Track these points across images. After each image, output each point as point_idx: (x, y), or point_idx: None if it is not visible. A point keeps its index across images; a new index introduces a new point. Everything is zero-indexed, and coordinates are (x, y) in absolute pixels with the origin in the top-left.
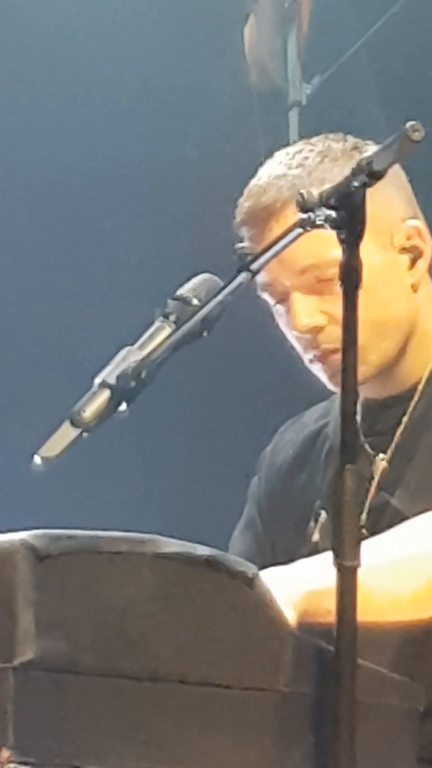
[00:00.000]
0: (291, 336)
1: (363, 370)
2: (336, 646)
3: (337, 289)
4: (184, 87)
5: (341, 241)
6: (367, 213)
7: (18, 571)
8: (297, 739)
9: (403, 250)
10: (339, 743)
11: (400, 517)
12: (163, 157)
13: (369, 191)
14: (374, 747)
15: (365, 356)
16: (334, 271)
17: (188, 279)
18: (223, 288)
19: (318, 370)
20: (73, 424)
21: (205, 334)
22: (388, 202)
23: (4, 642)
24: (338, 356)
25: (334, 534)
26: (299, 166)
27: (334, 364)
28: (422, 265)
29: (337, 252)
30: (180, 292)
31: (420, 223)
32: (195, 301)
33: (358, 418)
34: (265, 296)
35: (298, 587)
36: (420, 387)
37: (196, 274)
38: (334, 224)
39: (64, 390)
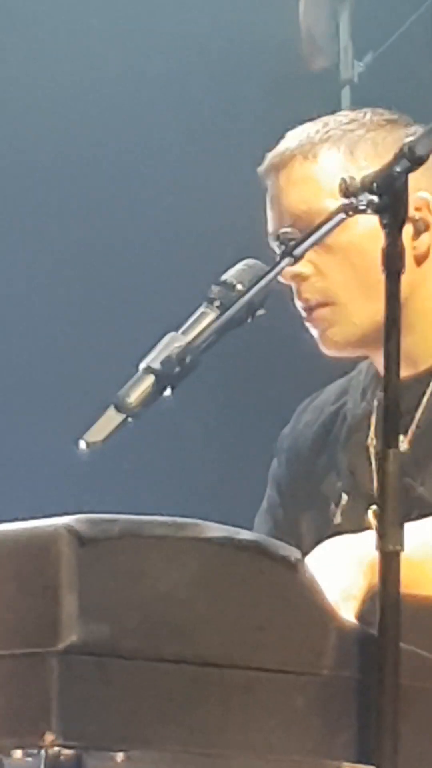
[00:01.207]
0: None
1: (347, 330)
2: (379, 631)
3: (329, 242)
4: (236, 59)
5: (383, 226)
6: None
7: (61, 556)
8: (341, 723)
9: (408, 219)
10: (382, 727)
11: (421, 503)
12: (212, 137)
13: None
14: (418, 731)
15: (350, 316)
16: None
17: (233, 264)
18: (267, 273)
19: (310, 328)
20: (118, 409)
21: (249, 319)
22: None
23: (47, 626)
24: (320, 312)
25: (378, 519)
26: (324, 124)
27: (317, 322)
28: (427, 238)
29: (330, 203)
30: (224, 277)
31: (430, 197)
32: (239, 287)
33: (377, 399)
34: (274, 246)
35: (369, 550)
36: None
37: (240, 260)
38: (377, 209)
39: (109, 375)
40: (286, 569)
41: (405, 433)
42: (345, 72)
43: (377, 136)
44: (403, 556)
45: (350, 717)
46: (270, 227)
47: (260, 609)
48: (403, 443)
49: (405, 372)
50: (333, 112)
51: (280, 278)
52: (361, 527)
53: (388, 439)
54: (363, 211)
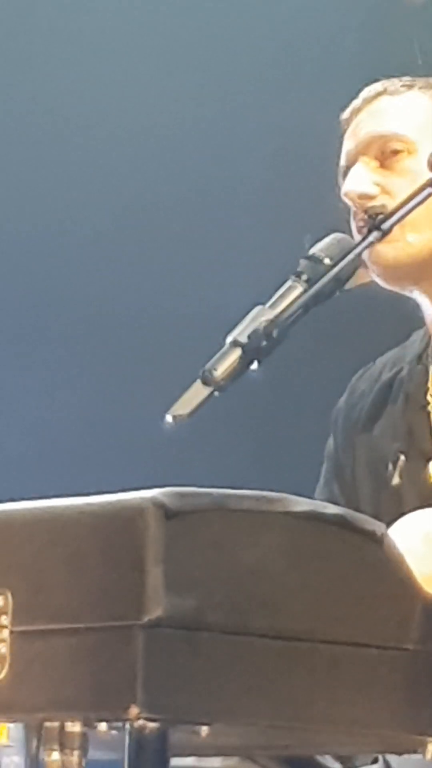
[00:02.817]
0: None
1: (399, 248)
2: None
3: (400, 166)
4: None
5: None
6: None
7: (148, 529)
8: (426, 697)
9: None
10: None
11: None
12: (299, 87)
13: None
14: None
15: (406, 235)
16: (399, 146)
17: (321, 238)
18: (355, 247)
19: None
20: (205, 382)
21: (337, 293)
22: None
23: (133, 599)
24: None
25: None
26: (412, 77)
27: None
28: None
29: (401, 128)
30: (312, 251)
31: None
32: (327, 261)
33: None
34: (341, 182)
35: None
36: None
37: (328, 233)
38: None
39: (196, 348)
40: (372, 543)
41: None
42: None
43: None
44: None
45: None
46: (342, 161)
47: (346, 583)
48: None
49: None
50: None
51: (345, 199)
52: (419, 485)
53: None
54: None
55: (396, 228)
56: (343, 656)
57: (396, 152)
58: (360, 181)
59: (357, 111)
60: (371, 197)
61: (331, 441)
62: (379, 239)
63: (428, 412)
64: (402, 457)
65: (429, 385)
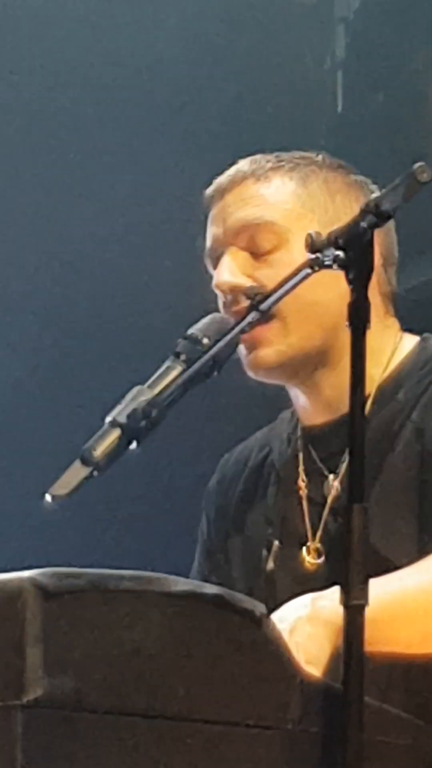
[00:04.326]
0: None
1: (281, 350)
2: (343, 685)
3: (271, 257)
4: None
5: (349, 282)
6: (375, 253)
7: (26, 609)
8: None
9: None
10: None
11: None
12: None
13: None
14: None
15: (288, 334)
16: (268, 236)
17: (199, 318)
18: (233, 327)
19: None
20: (84, 462)
21: (215, 373)
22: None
23: (12, 680)
24: (259, 329)
25: (342, 573)
26: (276, 156)
27: (253, 339)
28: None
29: (270, 217)
30: (190, 331)
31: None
32: (205, 341)
33: (302, 445)
34: (209, 266)
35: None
36: (367, 408)
37: (207, 314)
38: (342, 265)
39: (75, 428)
40: (250, 623)
41: (334, 472)
42: (339, 8)
43: (329, 175)
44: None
45: None
46: (208, 243)
47: (225, 663)
48: (335, 481)
49: (332, 416)
50: (327, 50)
51: (217, 291)
52: (293, 570)
53: (353, 495)
54: (329, 266)
55: (273, 332)
56: (222, 736)
57: (266, 242)
58: (231, 274)
59: (223, 192)
60: (242, 290)
61: (204, 525)
62: (257, 319)
63: (300, 497)
64: (276, 543)
65: (300, 470)
